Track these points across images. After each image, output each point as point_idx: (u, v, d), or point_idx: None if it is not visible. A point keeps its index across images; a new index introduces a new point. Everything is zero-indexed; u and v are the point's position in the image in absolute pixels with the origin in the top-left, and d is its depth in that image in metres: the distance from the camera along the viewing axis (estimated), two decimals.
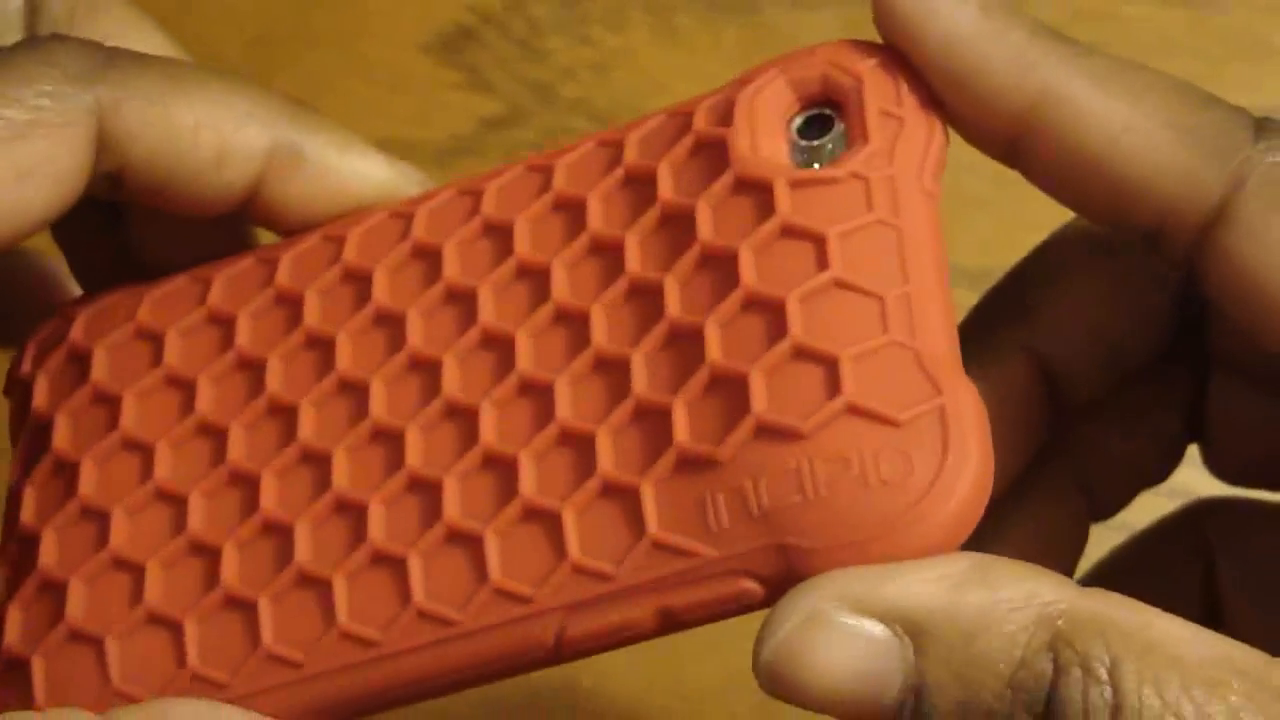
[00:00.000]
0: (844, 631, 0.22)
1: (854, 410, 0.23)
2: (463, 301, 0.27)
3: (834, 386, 0.24)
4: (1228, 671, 0.22)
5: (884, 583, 0.23)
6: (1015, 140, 0.26)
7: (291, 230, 0.29)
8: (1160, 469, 0.32)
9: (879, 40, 0.26)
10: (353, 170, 0.29)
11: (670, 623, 0.24)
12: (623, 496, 0.24)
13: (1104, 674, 0.22)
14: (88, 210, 0.30)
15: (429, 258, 0.28)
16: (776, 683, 0.23)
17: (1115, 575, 0.33)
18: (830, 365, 0.24)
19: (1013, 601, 0.22)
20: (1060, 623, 0.22)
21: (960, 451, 0.23)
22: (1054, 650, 0.22)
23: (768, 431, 0.24)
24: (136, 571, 0.27)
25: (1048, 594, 0.22)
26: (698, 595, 0.24)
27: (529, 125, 0.50)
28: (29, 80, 0.27)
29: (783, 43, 0.48)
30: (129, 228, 0.31)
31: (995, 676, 0.22)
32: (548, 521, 0.25)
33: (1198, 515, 0.33)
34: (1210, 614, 0.32)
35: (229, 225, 0.30)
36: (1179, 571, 0.32)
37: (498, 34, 0.51)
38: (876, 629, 0.22)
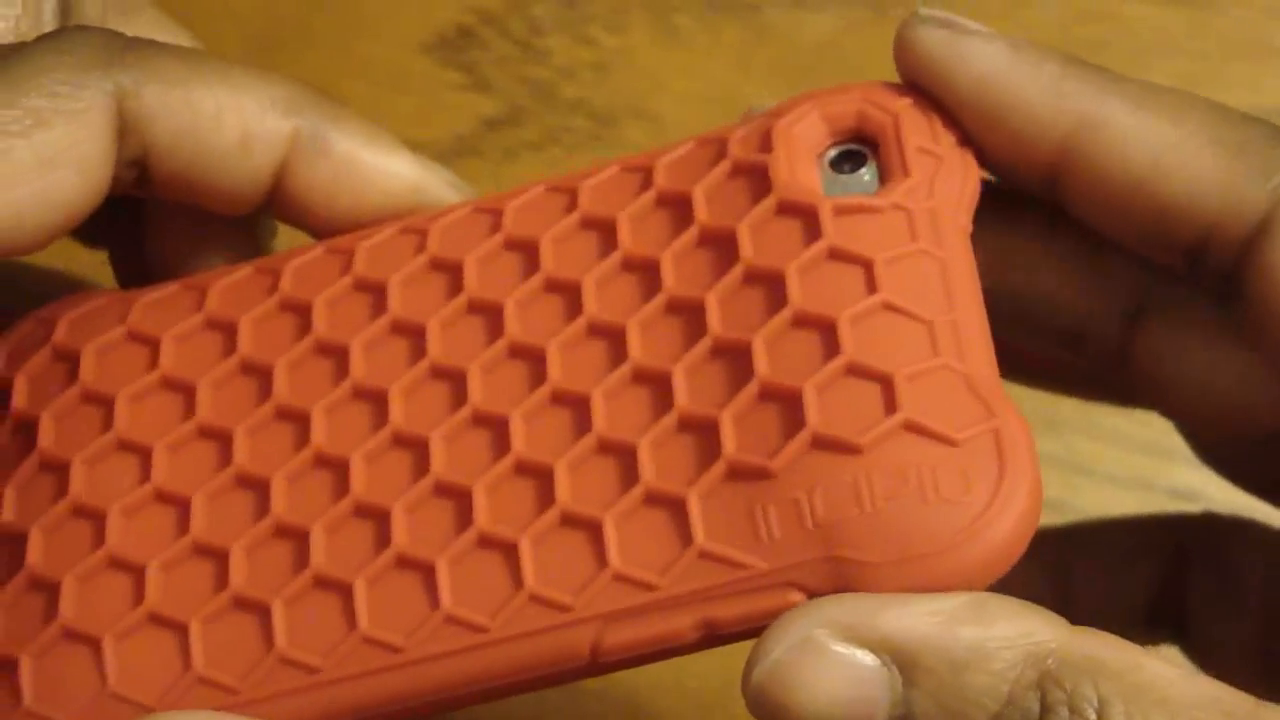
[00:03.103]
0: (835, 659, 0.23)
1: (912, 427, 0.24)
2: (487, 314, 0.27)
3: (890, 404, 0.24)
4: (1216, 714, 0.22)
5: (877, 613, 0.23)
6: (1054, 171, 0.26)
7: (315, 225, 0.29)
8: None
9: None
10: (380, 165, 0.29)
11: (711, 635, 0.24)
12: (667, 506, 0.24)
13: (1091, 715, 0.22)
14: (119, 224, 0.30)
15: (447, 271, 0.27)
16: (764, 705, 0.23)
17: (1076, 547, 0.33)
18: (885, 383, 0.24)
19: (1005, 639, 0.22)
20: (1049, 661, 0.22)
21: (1015, 472, 0.23)
22: (1041, 689, 0.22)
23: (824, 444, 0.24)
24: (136, 572, 0.26)
25: (1040, 633, 0.23)
26: (743, 607, 0.24)
27: (529, 125, 0.50)
28: (46, 69, 0.27)
29: (782, 43, 0.48)
30: (155, 239, 0.30)
31: (981, 711, 0.22)
32: (587, 530, 0.24)
33: (1179, 523, 0.33)
34: (1157, 620, 0.32)
35: (249, 235, 0.30)
36: (1140, 569, 0.33)
37: (498, 34, 0.51)
38: (867, 658, 0.23)
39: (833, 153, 0.27)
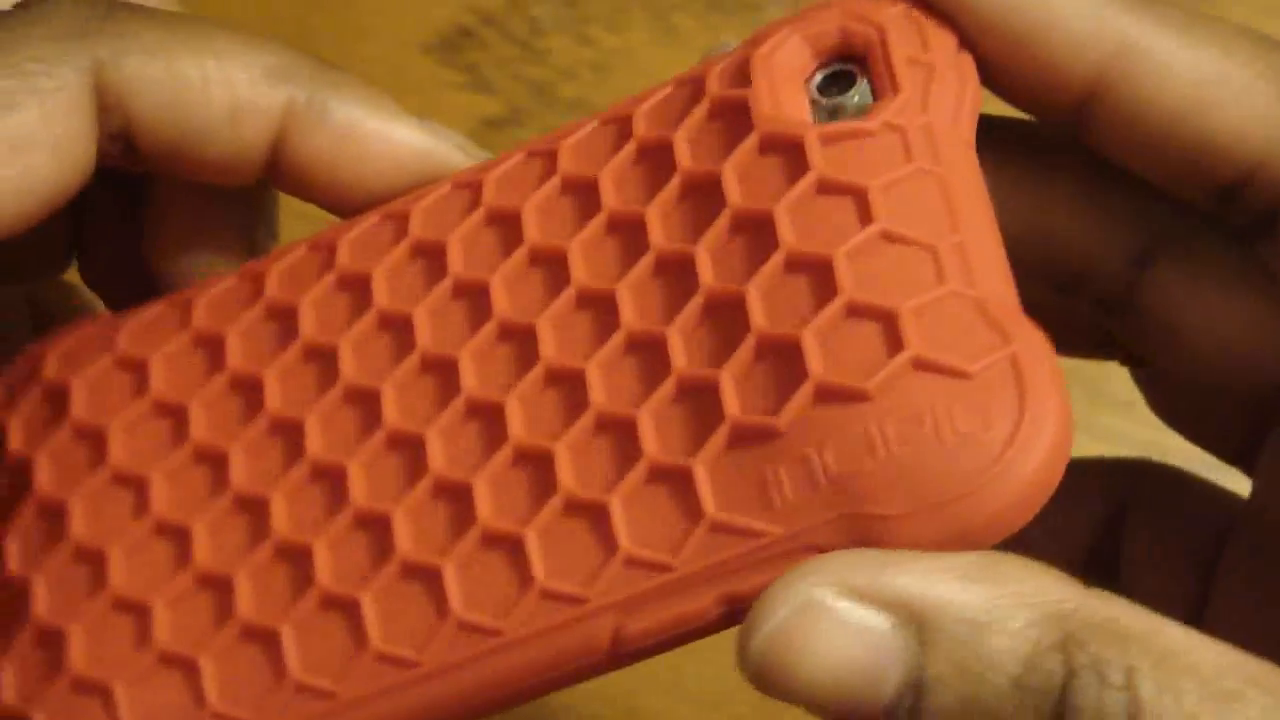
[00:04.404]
0: (842, 620, 0.21)
1: (921, 365, 0.22)
2: (474, 296, 0.25)
3: (895, 342, 0.22)
4: (1242, 681, 0.21)
5: (886, 570, 0.21)
6: (1085, 101, 0.25)
7: (318, 197, 0.28)
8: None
9: None
10: (383, 132, 0.27)
11: (734, 610, 0.22)
12: (673, 480, 0.23)
13: (1120, 680, 0.21)
14: (106, 201, 0.29)
15: (431, 256, 0.26)
16: (766, 673, 0.22)
17: None
18: (889, 321, 0.22)
19: (1022, 597, 0.21)
20: (1070, 624, 0.21)
21: (1039, 400, 0.21)
22: (1065, 652, 0.21)
23: (829, 395, 0.22)
24: (142, 612, 0.25)
25: (1056, 592, 0.21)
26: (764, 578, 0.22)
27: (529, 125, 0.50)
28: (18, 45, 0.26)
29: None
30: (153, 218, 0.29)
31: (1002, 675, 0.21)
32: (594, 514, 0.23)
33: (1121, 469, 0.32)
34: (1094, 568, 0.31)
35: (251, 205, 0.29)
36: (1079, 515, 0.31)
37: (498, 34, 0.51)
38: (878, 618, 0.21)
39: (819, 77, 0.25)
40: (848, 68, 0.25)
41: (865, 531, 0.22)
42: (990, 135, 0.25)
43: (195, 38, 0.27)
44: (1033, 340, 0.22)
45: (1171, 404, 0.31)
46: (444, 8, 0.51)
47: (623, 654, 0.23)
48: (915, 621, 0.21)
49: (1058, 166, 0.27)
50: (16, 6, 0.27)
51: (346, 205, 0.28)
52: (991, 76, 0.26)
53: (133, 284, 0.30)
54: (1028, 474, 0.21)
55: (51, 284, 0.33)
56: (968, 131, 0.24)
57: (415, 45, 0.51)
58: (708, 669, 0.42)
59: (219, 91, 0.27)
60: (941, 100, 0.24)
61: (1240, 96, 0.25)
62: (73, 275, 0.32)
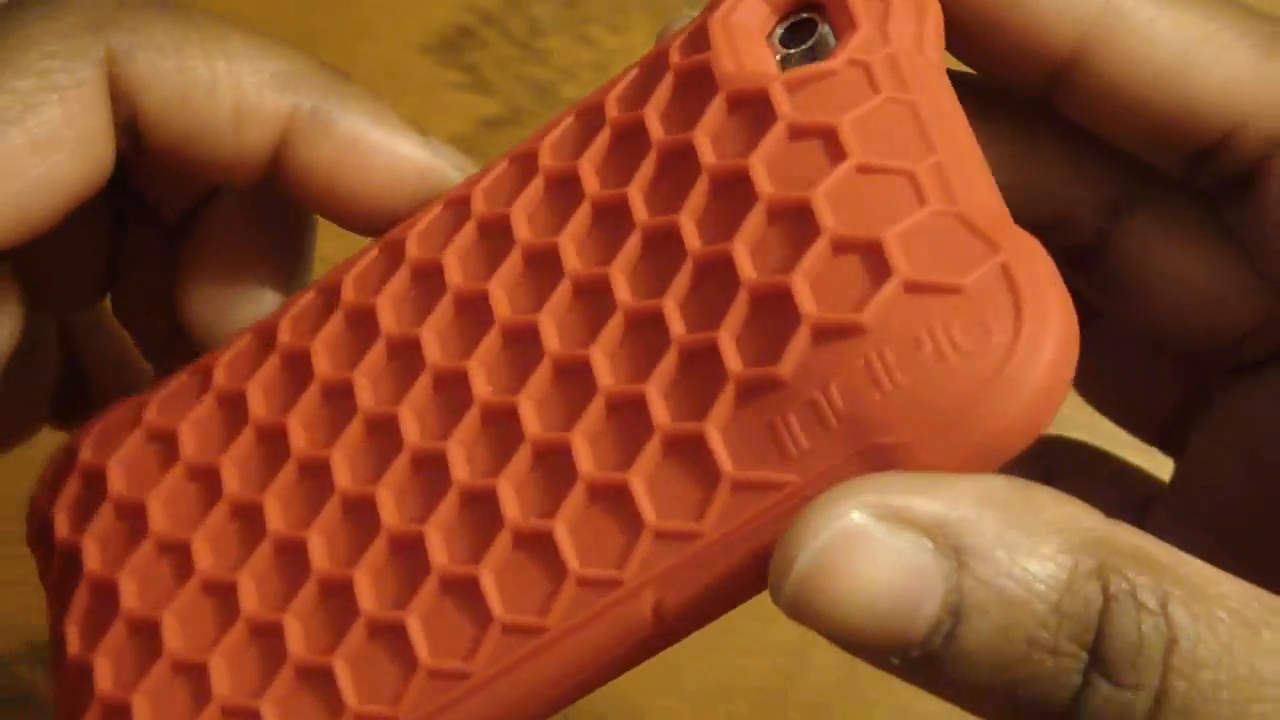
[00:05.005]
0: (882, 544, 0.21)
1: (912, 287, 0.22)
2: (474, 307, 0.26)
3: (884, 270, 0.22)
4: (1265, 611, 0.21)
5: (922, 493, 0.21)
6: (1065, 65, 0.25)
7: (318, 205, 0.28)
8: None
9: None
10: (386, 145, 0.27)
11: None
12: (688, 447, 0.23)
13: (1155, 606, 0.21)
14: (143, 238, 0.29)
15: (429, 276, 0.26)
16: (805, 603, 0.21)
17: None
18: (874, 250, 0.22)
19: (1056, 524, 0.21)
20: (1103, 550, 0.21)
21: (1036, 302, 0.21)
22: (1102, 578, 0.21)
23: (826, 334, 0.22)
24: (199, 673, 0.25)
25: (1087, 519, 0.21)
26: None
27: (529, 125, 0.50)
28: (34, 42, 0.26)
29: None
30: (189, 263, 0.30)
31: (1041, 600, 0.21)
32: (616, 496, 0.23)
33: (1045, 442, 0.32)
34: None
35: (289, 254, 0.30)
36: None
37: (498, 34, 0.51)
38: (920, 541, 0.21)
39: (781, 30, 0.25)
40: (809, 16, 0.25)
41: (884, 463, 0.21)
42: (962, 90, 0.25)
43: (208, 37, 0.27)
44: (1022, 244, 0.22)
45: (1099, 383, 0.31)
46: (444, 8, 0.51)
47: (668, 629, 0.23)
48: (953, 545, 0.21)
49: (1031, 119, 0.27)
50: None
51: (345, 215, 0.28)
52: (971, 44, 0.26)
53: (163, 322, 0.31)
54: (1037, 376, 0.21)
55: (83, 317, 0.33)
56: (934, 54, 0.24)
57: (415, 45, 0.51)
58: (708, 668, 0.42)
59: (226, 92, 0.27)
60: (901, 29, 0.24)
61: (1223, 57, 0.25)
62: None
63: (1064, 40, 0.25)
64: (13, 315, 0.28)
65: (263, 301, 0.29)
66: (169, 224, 0.31)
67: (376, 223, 0.28)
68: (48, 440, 0.32)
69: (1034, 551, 0.21)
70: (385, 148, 0.28)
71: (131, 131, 0.27)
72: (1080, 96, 0.26)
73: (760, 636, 0.43)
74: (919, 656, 0.21)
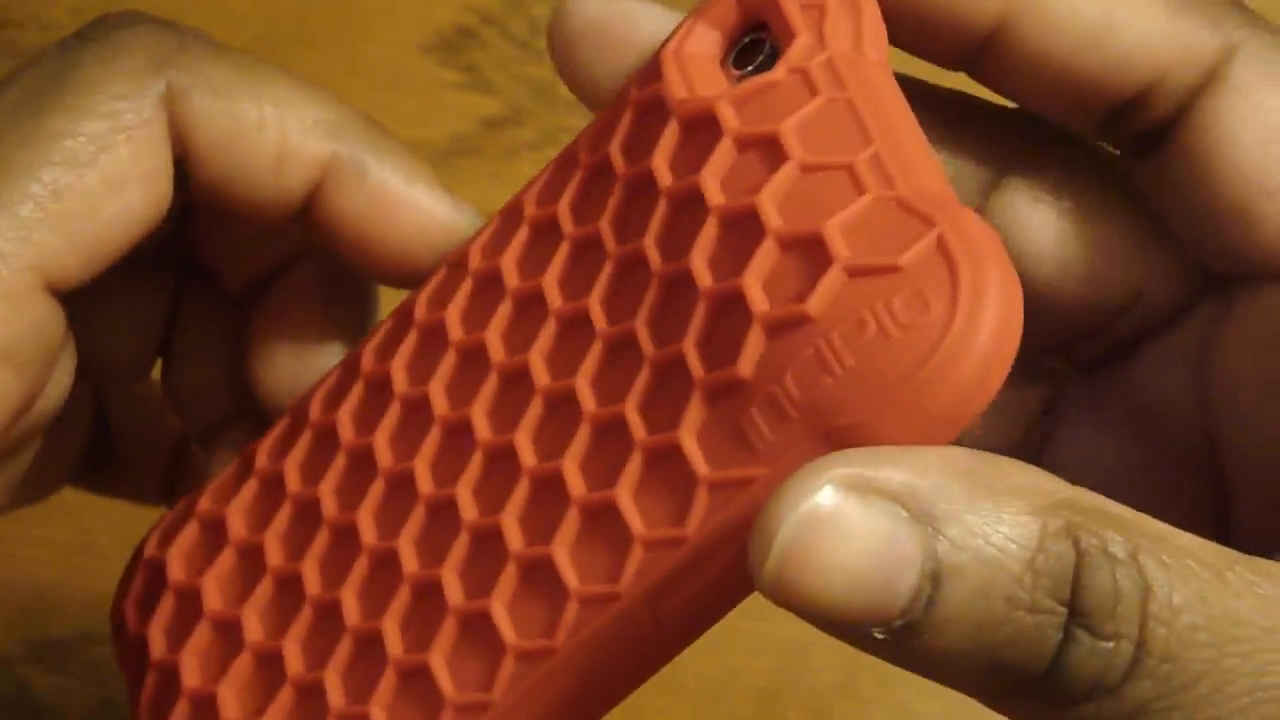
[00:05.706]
0: (859, 514, 0.21)
1: (853, 271, 0.22)
2: (473, 357, 0.27)
3: (825, 259, 0.23)
4: (1223, 558, 0.22)
5: (889, 464, 0.21)
6: (989, 37, 0.26)
7: (343, 250, 0.29)
8: None
9: None
10: (415, 201, 0.29)
11: None
12: (667, 458, 0.24)
13: (1126, 558, 0.21)
14: (198, 313, 0.30)
15: (434, 335, 0.28)
16: (786, 581, 0.21)
17: None
18: (816, 242, 0.23)
19: (1022, 488, 0.21)
20: (1069, 510, 0.21)
21: (974, 273, 0.22)
22: (1072, 536, 0.21)
23: (777, 328, 0.23)
24: None
25: (1049, 484, 0.22)
26: None
27: (529, 125, 0.50)
28: (99, 83, 0.27)
29: None
30: (259, 333, 0.31)
31: (1015, 559, 0.21)
32: (606, 514, 0.24)
33: None
34: None
35: (355, 323, 0.31)
36: None
37: (498, 34, 0.51)
38: (893, 509, 0.21)
39: (734, 54, 0.26)
40: (757, 37, 0.26)
41: (846, 444, 0.22)
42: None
43: (259, 81, 0.28)
44: (959, 218, 0.22)
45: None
46: (444, 8, 0.52)
47: (672, 635, 0.23)
48: (925, 511, 0.21)
49: (915, 101, 0.28)
50: (79, 35, 0.28)
51: (371, 263, 0.29)
52: (896, 25, 0.26)
53: (219, 403, 0.32)
54: (980, 344, 0.22)
55: (121, 391, 0.34)
56: (874, 52, 0.25)
57: (415, 45, 0.51)
58: (708, 668, 0.42)
59: (271, 135, 0.28)
60: (837, 31, 0.25)
61: (1139, 14, 0.25)
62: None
63: (987, 14, 0.26)
64: (67, 373, 0.29)
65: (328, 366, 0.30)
66: (234, 294, 0.32)
67: (402, 273, 0.29)
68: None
69: (1003, 514, 0.21)
70: (413, 201, 0.29)
71: (180, 170, 0.28)
72: (1004, 67, 0.26)
73: (760, 636, 0.43)
74: (902, 627, 0.21)
